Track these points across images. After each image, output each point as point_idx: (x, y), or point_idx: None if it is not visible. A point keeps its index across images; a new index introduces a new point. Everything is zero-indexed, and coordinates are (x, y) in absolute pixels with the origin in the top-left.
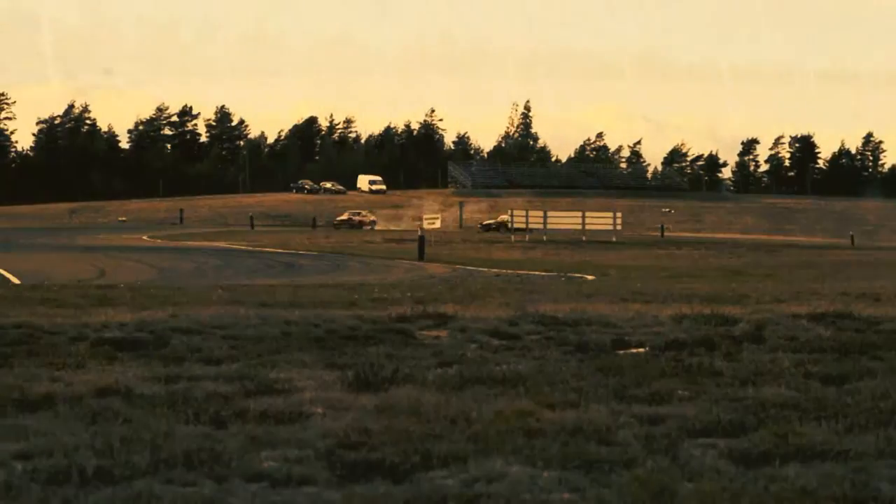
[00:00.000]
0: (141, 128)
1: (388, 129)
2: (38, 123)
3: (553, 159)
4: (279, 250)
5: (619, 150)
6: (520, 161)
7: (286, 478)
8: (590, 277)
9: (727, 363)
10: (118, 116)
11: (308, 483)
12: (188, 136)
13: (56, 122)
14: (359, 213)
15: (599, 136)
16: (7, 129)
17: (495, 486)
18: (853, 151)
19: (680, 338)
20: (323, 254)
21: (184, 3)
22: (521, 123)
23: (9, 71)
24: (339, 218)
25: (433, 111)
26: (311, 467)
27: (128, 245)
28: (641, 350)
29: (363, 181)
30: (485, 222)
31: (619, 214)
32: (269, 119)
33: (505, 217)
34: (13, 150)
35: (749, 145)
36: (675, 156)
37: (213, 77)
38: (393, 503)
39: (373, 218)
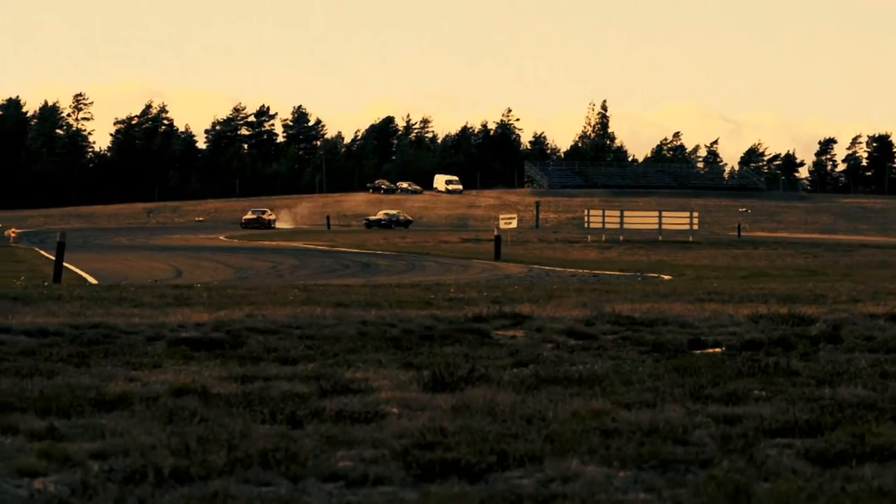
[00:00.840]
0: (218, 128)
1: (464, 129)
2: (115, 124)
3: (630, 159)
4: (355, 250)
5: (695, 149)
6: (596, 161)
7: (362, 477)
8: (666, 277)
9: (804, 363)
10: (195, 117)
11: (384, 483)
12: (265, 136)
13: (133, 122)
14: (265, 212)
15: (676, 135)
16: (85, 130)
17: (571, 486)
18: None
19: (756, 338)
20: (399, 253)
21: (260, 3)
22: (598, 123)
23: (86, 71)
24: (245, 217)
25: (510, 111)
26: (387, 467)
27: (205, 245)
28: (718, 350)
29: (440, 181)
30: (372, 217)
31: (695, 214)
32: (345, 119)
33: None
34: (90, 150)
35: (826, 145)
36: (752, 155)
37: (290, 77)
38: (468, 503)
39: (273, 216)
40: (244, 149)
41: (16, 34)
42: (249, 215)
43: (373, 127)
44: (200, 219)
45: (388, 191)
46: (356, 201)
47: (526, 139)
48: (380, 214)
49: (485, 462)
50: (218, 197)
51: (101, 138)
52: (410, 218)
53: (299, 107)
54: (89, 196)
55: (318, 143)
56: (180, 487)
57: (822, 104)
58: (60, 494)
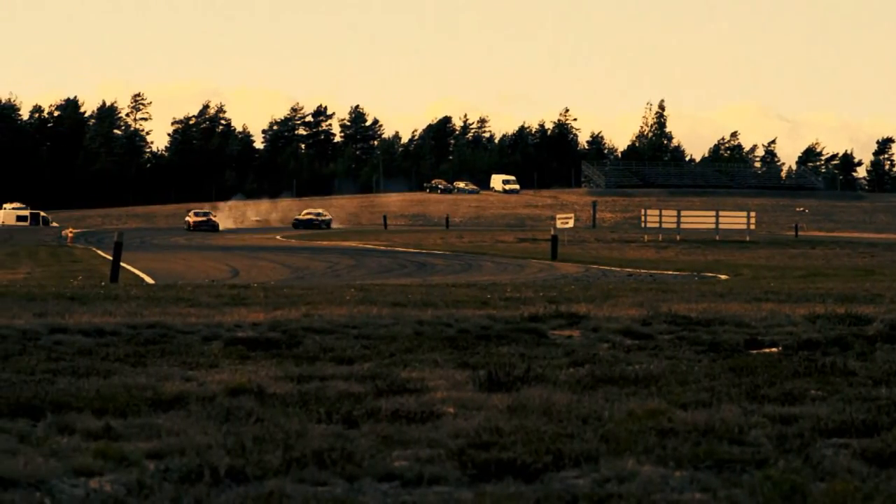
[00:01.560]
0: (275, 128)
1: (521, 129)
2: (173, 124)
3: (687, 159)
4: (412, 250)
5: (753, 149)
6: (653, 160)
7: (417, 477)
8: (723, 277)
9: (861, 363)
10: (252, 116)
11: (439, 482)
12: (322, 136)
13: (191, 122)
14: (209, 213)
15: (734, 135)
16: (143, 130)
17: (626, 486)
18: None
19: (813, 337)
20: (456, 253)
21: (317, 2)
22: (656, 123)
23: (145, 71)
24: (193, 220)
25: (567, 110)
26: (443, 467)
27: (261, 245)
28: (774, 350)
29: (497, 181)
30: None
31: (752, 214)
32: (403, 119)
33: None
34: (148, 150)
35: (884, 144)
36: (810, 155)
37: (348, 77)
38: (524, 502)
39: (217, 218)
40: (301, 149)
41: (73, 35)
42: (196, 218)
43: (430, 127)
44: (257, 219)
45: (446, 190)
46: (391, 201)
47: (583, 139)
48: (305, 215)
49: (540, 462)
50: (275, 197)
51: (158, 138)
52: (331, 217)
53: (357, 106)
54: (147, 196)
55: (376, 142)
56: (236, 487)
57: (881, 104)
58: (116, 494)
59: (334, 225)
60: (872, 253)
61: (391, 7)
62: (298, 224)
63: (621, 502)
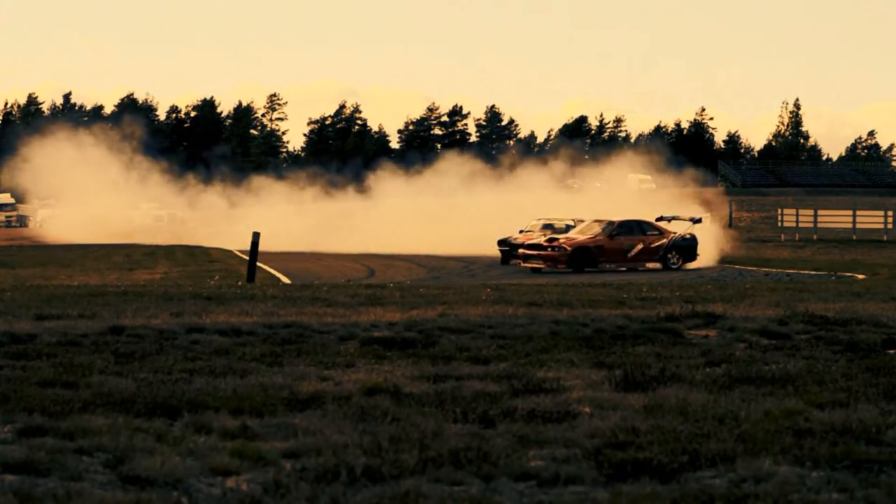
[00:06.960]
0: (411, 128)
1: (657, 128)
2: (309, 124)
3: (824, 158)
4: None
5: (890, 147)
6: (790, 160)
7: (553, 477)
8: (860, 276)
9: None
10: (388, 116)
11: (575, 482)
12: (458, 136)
13: (327, 122)
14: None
15: (871, 134)
16: (279, 130)
17: (763, 486)
18: None
19: None
20: None
21: (452, 2)
22: (791, 122)
23: (281, 71)
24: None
25: (703, 110)
26: (579, 466)
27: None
28: None
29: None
30: None
31: (890, 213)
32: (538, 118)
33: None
34: (284, 150)
35: None
36: None
37: (484, 76)
38: (660, 502)
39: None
40: (437, 148)
41: (209, 36)
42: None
43: (566, 126)
44: None
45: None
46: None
47: (719, 138)
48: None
49: (677, 462)
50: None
51: (294, 138)
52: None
53: (492, 106)
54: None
55: (511, 142)
56: (372, 486)
57: None
58: (253, 493)
59: None
60: None
61: (526, 6)
62: None
63: (758, 502)
